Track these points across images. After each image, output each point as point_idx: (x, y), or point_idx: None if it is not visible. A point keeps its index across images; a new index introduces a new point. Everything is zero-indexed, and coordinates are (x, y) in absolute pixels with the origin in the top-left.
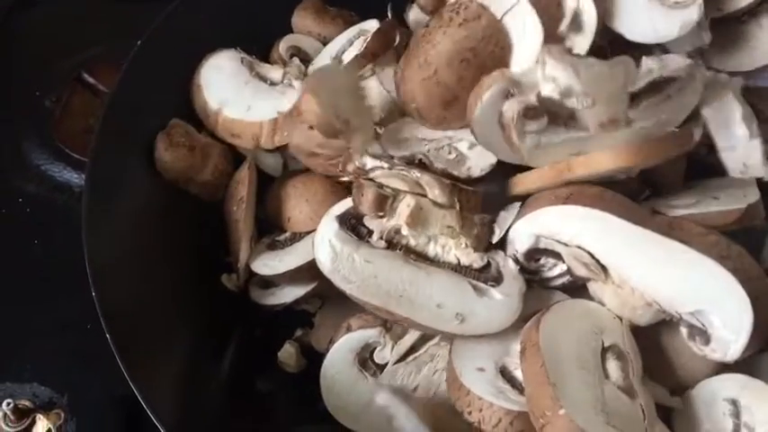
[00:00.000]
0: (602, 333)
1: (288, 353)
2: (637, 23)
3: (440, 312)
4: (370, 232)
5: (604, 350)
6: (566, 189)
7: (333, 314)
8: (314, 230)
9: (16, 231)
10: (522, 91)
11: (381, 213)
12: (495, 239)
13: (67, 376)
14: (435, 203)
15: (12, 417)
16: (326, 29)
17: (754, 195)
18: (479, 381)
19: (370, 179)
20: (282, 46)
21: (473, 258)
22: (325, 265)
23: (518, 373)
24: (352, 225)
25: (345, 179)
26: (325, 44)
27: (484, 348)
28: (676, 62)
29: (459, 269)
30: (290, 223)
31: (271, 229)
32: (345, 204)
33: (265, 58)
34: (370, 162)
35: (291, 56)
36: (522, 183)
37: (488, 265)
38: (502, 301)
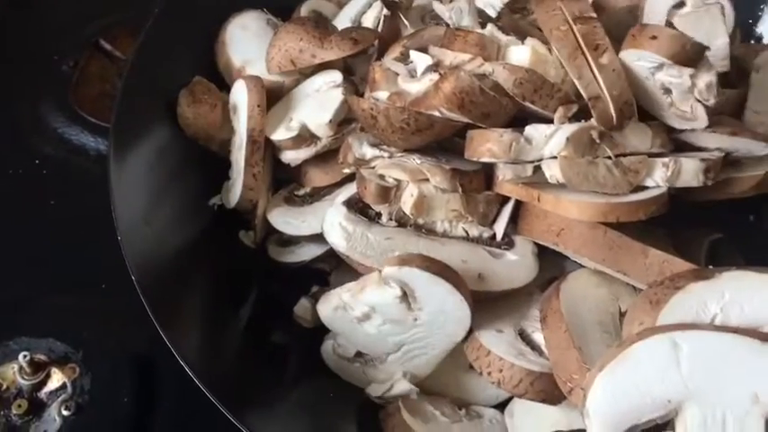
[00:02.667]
0: (618, 299)
1: (304, 308)
2: None
3: (466, 268)
4: (379, 214)
5: (622, 315)
6: (558, 221)
7: (348, 274)
8: (330, 187)
9: (33, 192)
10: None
11: (386, 204)
12: (498, 238)
13: (83, 332)
14: (438, 189)
15: (27, 369)
16: None
17: None
18: (500, 342)
19: (372, 168)
20: (304, 10)
21: (481, 230)
22: (340, 245)
23: (536, 336)
24: (360, 208)
25: (347, 170)
26: None
27: (501, 312)
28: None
29: (470, 240)
30: (306, 177)
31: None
32: (350, 190)
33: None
34: (369, 152)
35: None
36: (500, 188)
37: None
38: (519, 261)
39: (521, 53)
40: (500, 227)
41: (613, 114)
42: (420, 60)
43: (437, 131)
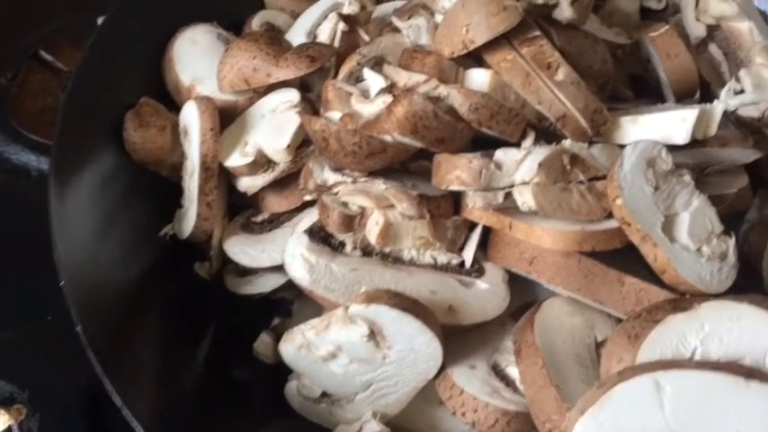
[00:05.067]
0: (593, 328)
1: (264, 343)
2: None
3: (435, 299)
4: (342, 243)
5: (597, 346)
6: (531, 249)
7: (312, 303)
8: (290, 212)
9: None
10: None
11: (350, 233)
12: (467, 265)
13: (29, 370)
14: (405, 216)
15: None
16: (300, 5)
17: (743, 181)
18: (473, 379)
19: (335, 194)
20: (256, 22)
21: (450, 257)
22: (303, 280)
23: (510, 370)
24: (323, 237)
25: (308, 197)
26: None
27: (473, 345)
28: None
29: (439, 268)
30: (264, 203)
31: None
32: (312, 216)
33: (237, 34)
34: (332, 177)
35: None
36: (469, 214)
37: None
38: (490, 290)
39: (480, 76)
40: (469, 253)
41: (586, 126)
42: (373, 81)
43: (391, 155)
